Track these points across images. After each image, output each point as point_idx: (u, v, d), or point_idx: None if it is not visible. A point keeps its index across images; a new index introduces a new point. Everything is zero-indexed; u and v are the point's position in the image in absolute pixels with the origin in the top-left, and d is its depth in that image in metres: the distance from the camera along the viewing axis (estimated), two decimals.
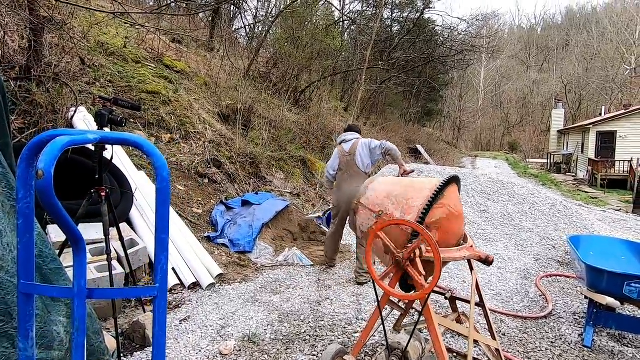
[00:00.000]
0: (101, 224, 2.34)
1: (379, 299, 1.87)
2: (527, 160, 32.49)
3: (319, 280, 3.90)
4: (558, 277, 4.21)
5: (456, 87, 36.33)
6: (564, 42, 50.14)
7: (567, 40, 49.00)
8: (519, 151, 37.92)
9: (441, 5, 50.95)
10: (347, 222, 4.24)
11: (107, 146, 2.44)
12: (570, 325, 3.10)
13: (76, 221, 2.39)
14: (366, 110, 18.41)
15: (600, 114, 24.77)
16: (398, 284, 2.01)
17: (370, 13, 18.87)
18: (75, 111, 4.48)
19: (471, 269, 2.34)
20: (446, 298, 2.57)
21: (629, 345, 2.87)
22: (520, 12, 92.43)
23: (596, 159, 18.87)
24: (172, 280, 3.43)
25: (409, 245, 1.74)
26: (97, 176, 2.31)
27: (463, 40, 19.80)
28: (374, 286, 1.89)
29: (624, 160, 17.69)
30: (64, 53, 5.14)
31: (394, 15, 20.90)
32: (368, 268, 1.81)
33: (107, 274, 2.54)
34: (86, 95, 5.19)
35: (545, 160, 28.62)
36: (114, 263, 2.98)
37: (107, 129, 2.31)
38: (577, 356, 2.69)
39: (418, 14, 19.81)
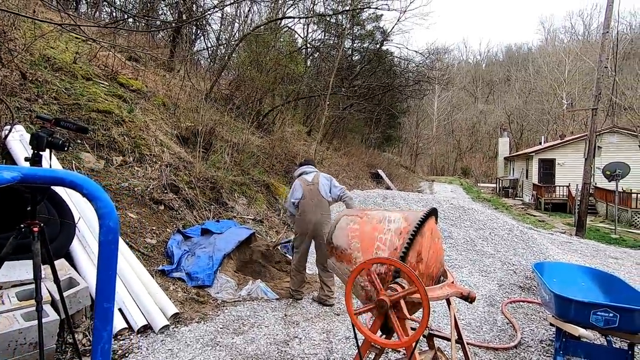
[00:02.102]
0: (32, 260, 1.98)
1: (360, 345, 1.70)
2: (478, 184, 34.50)
3: (285, 315, 3.63)
4: (521, 303, 4.27)
5: (413, 114, 38.25)
6: (505, 77, 55.12)
7: (508, 76, 53.93)
8: (470, 176, 40.24)
9: (399, 38, 54.30)
10: (316, 250, 4.09)
11: (45, 164, 2.10)
12: (540, 355, 3.10)
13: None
14: (329, 134, 18.64)
15: (541, 143, 27.13)
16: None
17: (332, 42, 19.51)
18: (10, 130, 3.99)
19: (449, 304, 2.25)
20: (424, 336, 2.45)
21: None
22: (467, 49, 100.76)
23: (539, 184, 20.42)
24: (118, 324, 3.00)
25: (392, 285, 1.60)
26: (28, 208, 1.96)
27: (419, 71, 21.01)
28: (354, 331, 1.72)
29: (563, 186, 19.30)
30: (1, 66, 4.64)
31: (354, 45, 21.80)
32: (348, 311, 1.65)
33: (37, 322, 2.15)
34: (25, 112, 4.67)
35: (494, 185, 30.53)
36: (47, 308, 2.55)
37: (44, 154, 2.00)
38: None
39: (377, 45, 20.81)
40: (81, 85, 5.93)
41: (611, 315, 2.57)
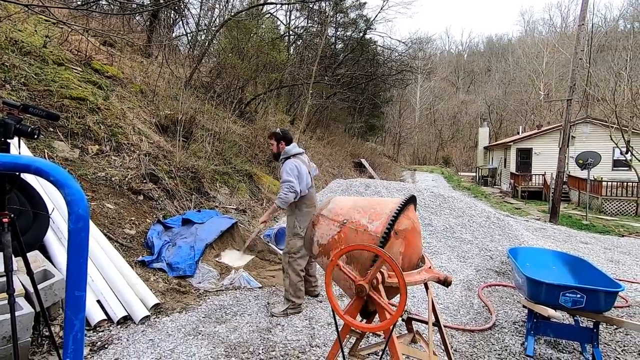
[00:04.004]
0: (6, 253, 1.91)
1: (339, 330, 1.74)
2: (459, 173, 35.25)
3: (268, 303, 3.66)
4: (497, 287, 4.44)
5: (396, 104, 38.51)
6: (486, 67, 55.98)
7: (489, 66, 54.79)
8: (451, 165, 41.06)
9: (382, 27, 54.22)
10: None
11: (15, 153, 2.02)
12: (513, 335, 3.24)
13: None
14: (312, 124, 18.56)
15: (519, 133, 27.87)
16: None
17: (315, 29, 19.27)
18: None
19: (427, 289, 2.31)
20: (403, 319, 2.52)
21: (563, 351, 3.07)
22: (450, 39, 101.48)
23: (517, 173, 21.04)
24: (97, 316, 2.96)
25: (370, 270, 1.63)
26: None
27: (402, 60, 21.07)
28: (334, 317, 1.75)
29: (539, 174, 19.96)
30: None
31: (338, 33, 21.61)
32: (328, 297, 1.67)
33: (9, 315, 2.09)
34: None
35: (474, 174, 31.27)
36: (22, 301, 2.48)
37: (13, 142, 1.91)
38: None
39: (361, 34, 20.69)
40: (52, 71, 5.67)
41: (579, 296, 2.70)
